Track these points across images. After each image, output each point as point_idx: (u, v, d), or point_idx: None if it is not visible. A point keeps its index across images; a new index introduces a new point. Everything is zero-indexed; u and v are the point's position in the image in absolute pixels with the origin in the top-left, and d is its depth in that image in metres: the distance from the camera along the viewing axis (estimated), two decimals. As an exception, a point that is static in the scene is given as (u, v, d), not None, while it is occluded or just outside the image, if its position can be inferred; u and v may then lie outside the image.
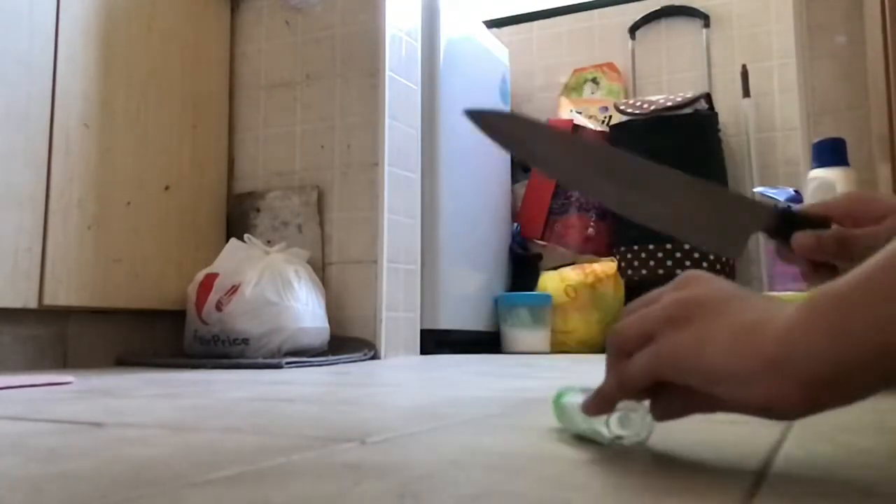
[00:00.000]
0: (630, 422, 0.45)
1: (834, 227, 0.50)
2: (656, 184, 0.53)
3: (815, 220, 0.51)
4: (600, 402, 0.45)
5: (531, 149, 0.58)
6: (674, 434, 0.51)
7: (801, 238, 0.49)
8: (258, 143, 1.91)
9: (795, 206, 0.52)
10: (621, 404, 0.45)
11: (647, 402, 0.45)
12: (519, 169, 2.78)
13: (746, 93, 2.57)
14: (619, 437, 0.45)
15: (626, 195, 0.54)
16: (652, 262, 2.35)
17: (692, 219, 0.53)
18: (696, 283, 0.42)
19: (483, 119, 0.60)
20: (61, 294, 1.41)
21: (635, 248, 2.38)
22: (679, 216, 0.54)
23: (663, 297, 0.42)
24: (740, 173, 2.57)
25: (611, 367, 0.44)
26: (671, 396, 0.43)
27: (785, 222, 0.50)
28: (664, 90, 2.71)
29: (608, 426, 0.45)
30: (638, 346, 0.42)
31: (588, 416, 0.46)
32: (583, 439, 0.49)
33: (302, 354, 1.53)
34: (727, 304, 0.39)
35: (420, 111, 1.96)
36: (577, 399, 0.48)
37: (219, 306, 1.53)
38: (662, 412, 0.44)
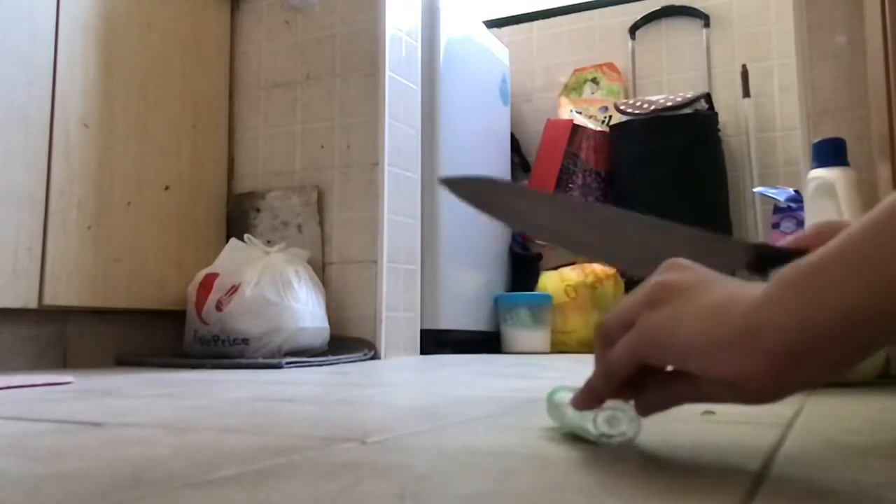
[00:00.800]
0: (617, 421, 0.45)
1: None
2: (636, 233, 0.55)
3: (792, 253, 0.51)
4: (588, 395, 0.46)
5: (511, 209, 0.59)
6: (674, 434, 0.51)
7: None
8: (258, 143, 1.91)
9: (775, 243, 0.52)
10: (609, 403, 0.45)
11: (633, 403, 0.45)
12: (519, 169, 2.78)
13: (746, 93, 2.57)
14: (606, 436, 0.45)
15: (608, 246, 0.56)
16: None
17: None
18: (675, 268, 0.43)
19: (458, 185, 0.60)
20: (61, 294, 1.41)
21: (635, 248, 2.38)
22: (659, 259, 0.55)
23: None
24: (740, 173, 2.57)
25: (598, 360, 0.45)
26: (652, 389, 0.44)
27: (763, 258, 0.51)
28: (664, 90, 2.71)
29: (595, 424, 0.45)
30: (621, 334, 0.43)
31: (577, 413, 0.47)
32: (576, 438, 0.49)
33: (302, 354, 1.53)
34: (703, 286, 0.40)
35: (420, 111, 1.96)
36: (568, 396, 0.49)
37: (219, 306, 1.53)
38: (646, 406, 0.45)
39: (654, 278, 0.43)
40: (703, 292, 0.39)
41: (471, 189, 0.60)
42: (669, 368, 0.43)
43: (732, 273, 0.51)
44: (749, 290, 0.38)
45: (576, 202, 0.63)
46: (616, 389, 0.44)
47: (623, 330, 0.42)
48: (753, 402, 0.39)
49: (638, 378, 0.43)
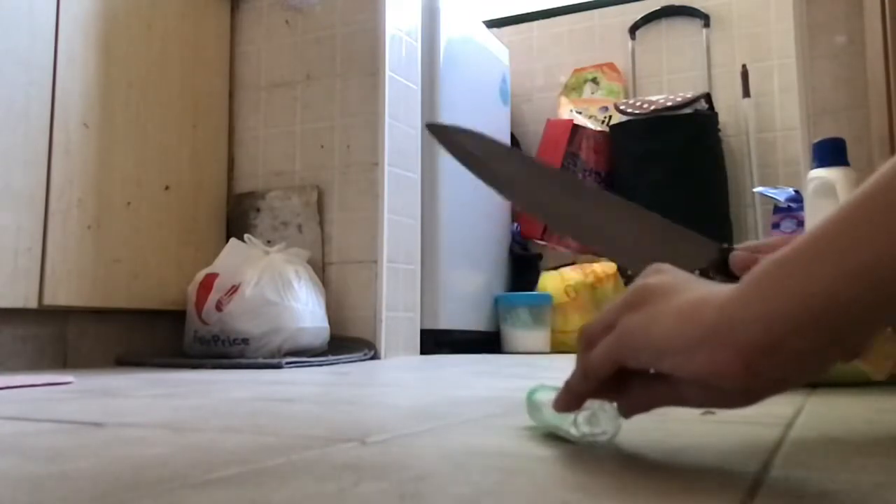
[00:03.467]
0: (598, 420, 0.45)
1: None
2: (611, 211, 0.56)
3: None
4: (568, 397, 0.46)
5: (490, 167, 0.59)
6: (673, 434, 0.51)
7: (738, 256, 0.50)
8: (258, 143, 1.91)
9: (739, 246, 0.52)
10: (588, 403, 0.45)
11: (616, 404, 0.46)
12: (519, 169, 2.77)
13: (746, 93, 2.57)
14: (587, 435, 0.46)
15: (582, 219, 0.56)
16: (652, 262, 2.34)
17: (640, 248, 0.55)
18: (656, 272, 0.43)
19: (443, 133, 0.60)
20: (61, 294, 1.41)
21: (635, 248, 2.38)
22: (628, 245, 0.56)
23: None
24: (740, 173, 2.57)
25: (578, 361, 0.45)
26: (634, 391, 0.44)
27: (727, 259, 0.51)
28: (664, 90, 2.71)
29: (576, 424, 0.46)
30: (602, 337, 0.43)
31: (557, 413, 0.47)
32: (557, 437, 0.49)
33: (302, 354, 1.53)
34: (680, 287, 0.40)
35: (420, 111, 1.96)
36: (548, 396, 0.49)
37: (219, 306, 1.53)
38: (628, 408, 0.45)
39: (636, 282, 0.43)
40: (680, 293, 0.40)
41: (457, 142, 0.60)
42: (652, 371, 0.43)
43: (695, 271, 0.52)
44: (724, 289, 0.38)
45: (560, 174, 0.62)
46: (595, 390, 0.45)
47: (604, 332, 0.43)
48: (731, 403, 0.39)
49: (621, 380, 0.43)
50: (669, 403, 0.43)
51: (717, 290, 0.38)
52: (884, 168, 0.33)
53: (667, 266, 0.44)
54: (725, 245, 0.51)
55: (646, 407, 0.44)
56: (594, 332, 0.44)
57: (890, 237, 0.31)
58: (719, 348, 0.35)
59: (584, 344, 0.45)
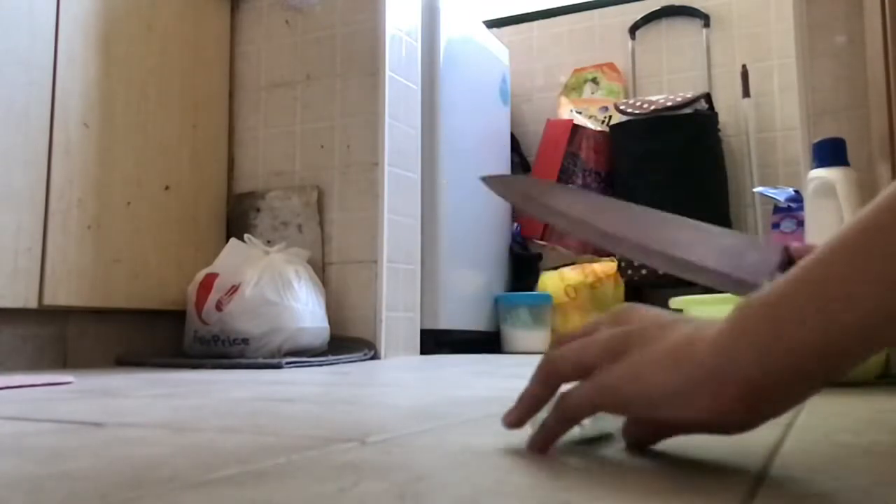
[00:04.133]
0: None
1: None
2: (670, 229, 0.54)
3: None
4: (546, 437, 0.45)
5: (546, 203, 0.60)
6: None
7: (802, 253, 0.50)
8: (258, 143, 1.91)
9: (796, 245, 0.52)
10: None
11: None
12: (519, 169, 2.78)
13: (746, 93, 2.57)
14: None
15: (643, 241, 0.55)
16: (652, 262, 2.34)
17: (707, 262, 0.53)
18: (630, 315, 0.43)
19: (496, 183, 0.63)
20: (61, 294, 1.41)
21: (635, 248, 2.38)
22: (694, 260, 0.54)
23: (601, 331, 0.43)
24: (740, 173, 2.57)
25: (535, 385, 0.45)
26: (639, 425, 0.45)
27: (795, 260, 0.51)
28: (664, 90, 2.71)
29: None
30: (574, 376, 0.43)
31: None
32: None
33: (302, 354, 1.53)
34: (661, 331, 0.40)
35: (420, 111, 1.96)
36: None
37: (219, 306, 1.53)
38: (636, 442, 0.45)
39: (611, 328, 0.43)
40: (661, 338, 0.39)
41: (507, 185, 0.64)
42: None
43: (763, 277, 0.51)
44: (706, 328, 0.38)
45: (614, 201, 0.61)
46: (571, 427, 0.45)
47: (577, 372, 0.42)
48: (730, 434, 0.39)
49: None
50: (674, 435, 0.44)
51: (700, 329, 0.38)
52: (871, 205, 0.33)
53: (638, 306, 0.44)
54: (786, 245, 0.50)
55: (651, 440, 0.45)
56: (564, 370, 0.43)
57: (881, 287, 0.31)
58: (718, 391, 0.36)
59: (547, 376, 0.44)
